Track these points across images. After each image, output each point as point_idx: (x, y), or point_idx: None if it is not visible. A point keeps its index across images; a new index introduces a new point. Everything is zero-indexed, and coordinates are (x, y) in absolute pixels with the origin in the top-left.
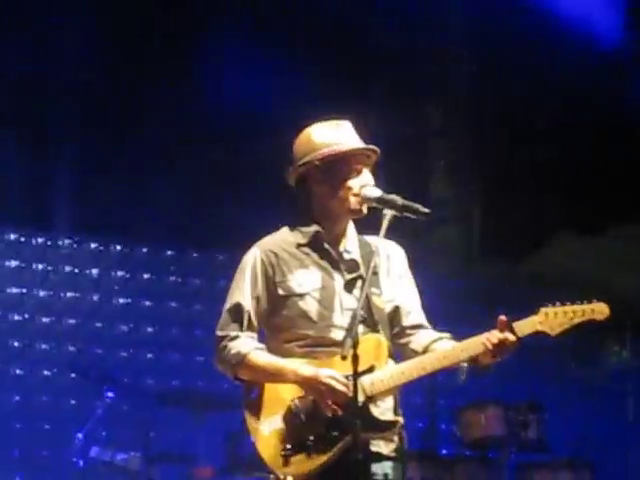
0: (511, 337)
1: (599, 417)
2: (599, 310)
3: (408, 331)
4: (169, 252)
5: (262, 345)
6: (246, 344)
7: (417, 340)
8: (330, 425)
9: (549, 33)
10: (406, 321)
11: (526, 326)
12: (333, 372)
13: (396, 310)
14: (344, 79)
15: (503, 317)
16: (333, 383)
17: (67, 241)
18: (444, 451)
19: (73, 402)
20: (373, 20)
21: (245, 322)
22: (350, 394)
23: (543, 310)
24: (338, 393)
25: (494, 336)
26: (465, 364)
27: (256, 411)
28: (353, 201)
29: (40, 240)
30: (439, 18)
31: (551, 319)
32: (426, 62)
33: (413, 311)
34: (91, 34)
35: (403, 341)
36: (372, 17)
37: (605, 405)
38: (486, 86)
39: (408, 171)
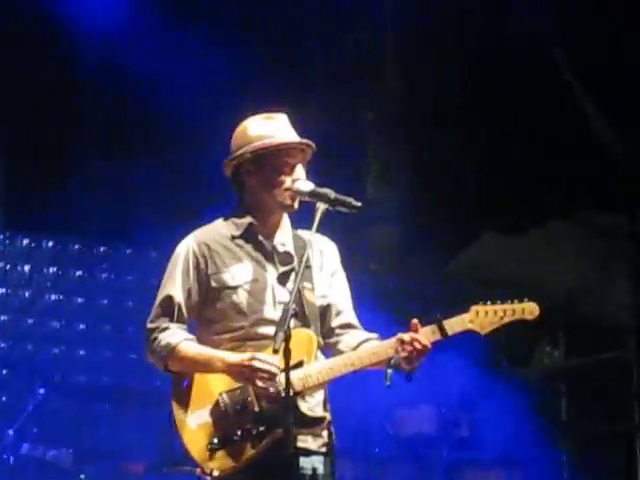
0: (419, 339)
1: (531, 416)
2: (529, 310)
3: (337, 331)
4: (102, 248)
5: (192, 336)
6: (176, 335)
7: (345, 340)
8: (257, 420)
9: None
10: (335, 321)
11: (456, 324)
12: (261, 354)
13: (327, 308)
14: (280, 74)
15: (415, 320)
16: (260, 365)
17: None
18: (377, 449)
19: (4, 398)
20: (309, 21)
21: (175, 314)
22: (277, 374)
23: (474, 308)
24: (266, 374)
25: (401, 339)
26: (390, 370)
27: (184, 404)
28: (284, 195)
29: None
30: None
31: (481, 317)
32: (360, 61)
33: (344, 310)
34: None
35: (332, 340)
36: (308, 17)
37: (537, 405)
38: (420, 86)
39: (342, 170)
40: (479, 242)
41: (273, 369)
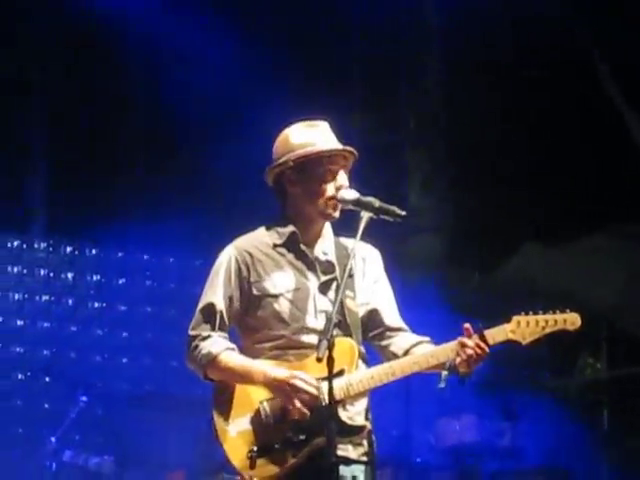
0: (480, 344)
1: (573, 427)
2: (571, 320)
3: (389, 333)
4: (145, 256)
5: (233, 345)
6: (217, 344)
7: (398, 343)
8: (298, 429)
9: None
10: (384, 324)
11: (498, 334)
12: (302, 374)
13: (371, 313)
14: (324, 85)
15: (467, 325)
16: (301, 384)
17: (43, 244)
18: (418, 459)
19: (47, 406)
20: (354, 27)
21: (217, 322)
22: (318, 396)
23: (515, 318)
24: (306, 395)
25: (463, 343)
26: (445, 372)
27: (225, 412)
28: (326, 204)
29: (16, 243)
30: (416, 27)
31: (523, 328)
32: (404, 72)
33: (390, 314)
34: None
35: (384, 343)
36: (353, 25)
37: (579, 415)
38: (462, 97)
39: (385, 180)
40: (521, 253)
41: (313, 390)
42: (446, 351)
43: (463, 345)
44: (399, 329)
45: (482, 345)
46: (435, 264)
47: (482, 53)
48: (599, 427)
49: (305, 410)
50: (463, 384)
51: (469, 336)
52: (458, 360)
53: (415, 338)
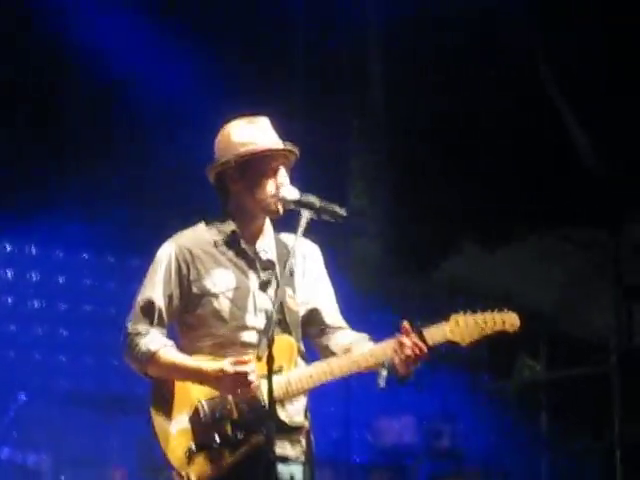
0: (419, 343)
1: (512, 428)
2: (510, 321)
3: (328, 331)
4: (85, 255)
5: (171, 342)
6: (155, 341)
7: (336, 340)
8: (236, 427)
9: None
10: (323, 323)
11: (437, 333)
12: (235, 360)
13: (312, 312)
14: (269, 89)
15: (406, 323)
16: (239, 368)
17: None
18: (357, 459)
19: None
20: (299, 31)
21: (156, 318)
22: (253, 375)
23: (454, 318)
24: (245, 379)
25: (401, 342)
26: (384, 372)
27: (164, 410)
28: (269, 201)
29: None
30: (357, 27)
31: (462, 328)
32: (349, 77)
33: (330, 312)
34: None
35: (323, 341)
36: (299, 29)
37: (518, 417)
38: (403, 100)
39: (327, 183)
40: (461, 255)
41: (251, 375)
42: (385, 350)
43: (401, 344)
44: (339, 327)
45: (420, 344)
46: (375, 266)
47: (427, 54)
48: (538, 429)
49: (245, 392)
50: (403, 385)
51: (407, 334)
52: (397, 360)
53: (354, 335)
